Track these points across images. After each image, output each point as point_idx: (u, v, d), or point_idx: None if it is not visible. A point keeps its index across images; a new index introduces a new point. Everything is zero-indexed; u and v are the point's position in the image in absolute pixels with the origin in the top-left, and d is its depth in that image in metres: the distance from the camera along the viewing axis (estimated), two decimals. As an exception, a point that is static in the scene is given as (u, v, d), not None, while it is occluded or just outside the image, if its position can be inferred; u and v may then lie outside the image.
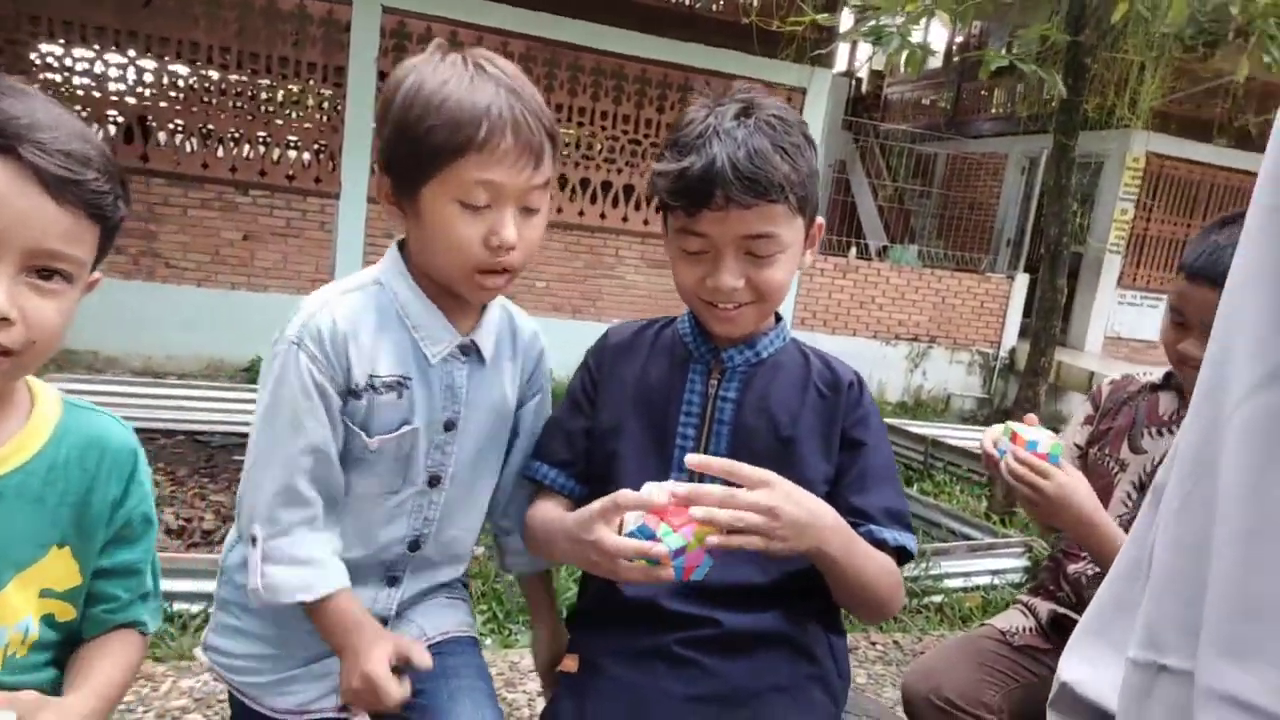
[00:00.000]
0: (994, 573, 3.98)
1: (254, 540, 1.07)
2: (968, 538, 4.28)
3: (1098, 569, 1.52)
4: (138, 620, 1.03)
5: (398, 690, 1.04)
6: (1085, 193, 9.44)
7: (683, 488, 0.97)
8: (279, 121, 6.82)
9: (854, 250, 9.21)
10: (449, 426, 1.17)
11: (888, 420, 6.48)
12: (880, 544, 1.13)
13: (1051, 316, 4.87)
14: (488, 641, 2.97)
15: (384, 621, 1.21)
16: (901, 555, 1.15)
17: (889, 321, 8.81)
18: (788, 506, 0.98)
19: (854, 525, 1.11)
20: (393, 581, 1.22)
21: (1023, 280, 9.20)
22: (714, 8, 8.06)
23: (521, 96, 1.05)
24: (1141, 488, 1.50)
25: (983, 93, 11.90)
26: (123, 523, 0.99)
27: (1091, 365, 8.38)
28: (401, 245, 1.17)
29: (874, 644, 3.29)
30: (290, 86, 6.88)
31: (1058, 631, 1.58)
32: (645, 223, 7.62)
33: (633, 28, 7.20)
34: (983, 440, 1.38)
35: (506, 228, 1.05)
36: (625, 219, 7.59)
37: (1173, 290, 1.44)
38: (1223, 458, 0.48)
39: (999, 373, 9.13)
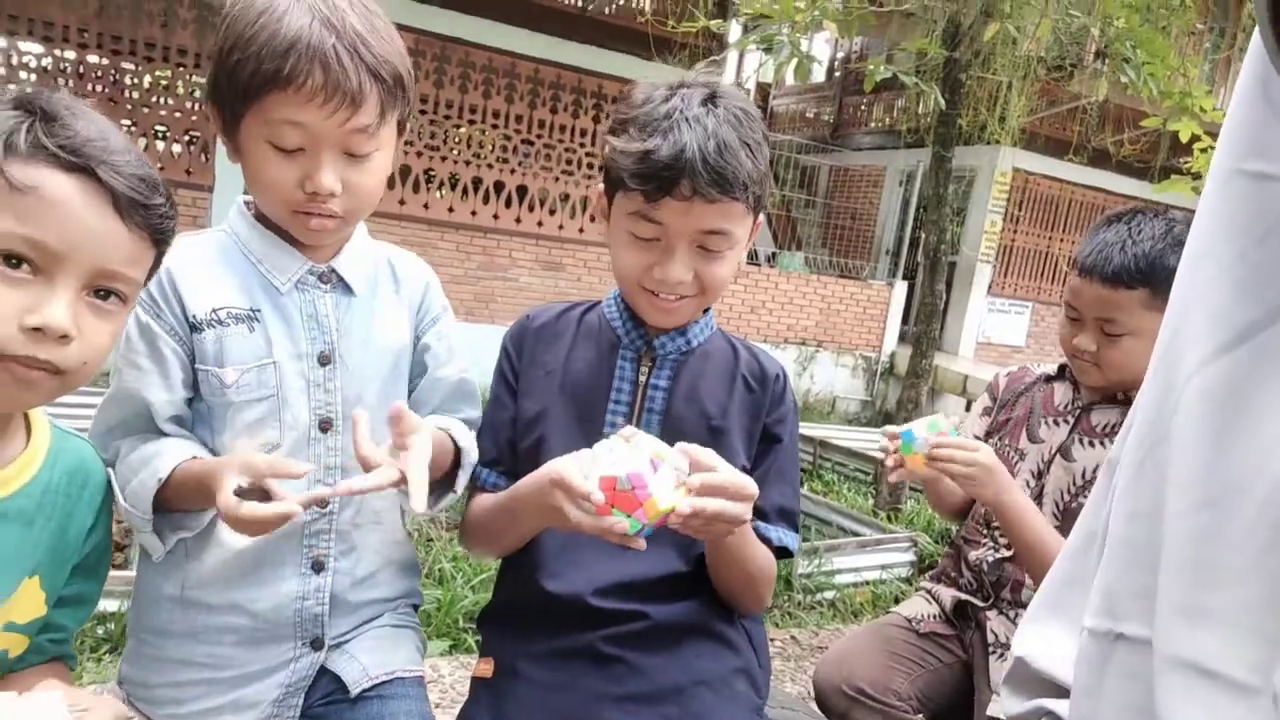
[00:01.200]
0: (882, 567, 4.11)
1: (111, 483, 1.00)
2: (856, 534, 4.40)
3: (998, 555, 1.58)
4: (70, 655, 0.99)
5: (249, 511, 0.89)
6: (959, 205, 9.95)
7: (695, 451, 0.93)
8: (145, 109, 6.40)
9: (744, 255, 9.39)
10: (324, 360, 1.09)
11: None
12: (765, 541, 1.14)
13: (931, 321, 5.10)
14: None
15: (316, 638, 1.11)
16: (781, 553, 1.16)
17: (778, 326, 9.03)
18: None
19: None
20: (318, 568, 1.10)
21: (901, 287, 9.61)
22: (607, 10, 8.07)
23: (339, 29, 0.96)
24: (1039, 475, 1.56)
25: (863, 107, 12.38)
26: (88, 550, 0.97)
27: (965, 369, 8.82)
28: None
29: (772, 640, 3.33)
30: (157, 72, 6.46)
31: (960, 616, 1.63)
32: (539, 224, 7.54)
33: (525, 26, 7.13)
34: (885, 448, 1.45)
35: (321, 173, 0.99)
36: (518, 220, 7.49)
37: (1066, 287, 1.51)
38: (1176, 425, 0.48)
39: (880, 376, 9.50)
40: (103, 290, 0.84)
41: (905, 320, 10.06)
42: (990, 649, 1.53)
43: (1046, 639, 0.62)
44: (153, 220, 0.85)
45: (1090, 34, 3.88)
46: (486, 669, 1.14)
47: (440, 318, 1.22)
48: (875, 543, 4.18)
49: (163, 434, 1.04)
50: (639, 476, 0.88)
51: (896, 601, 4.02)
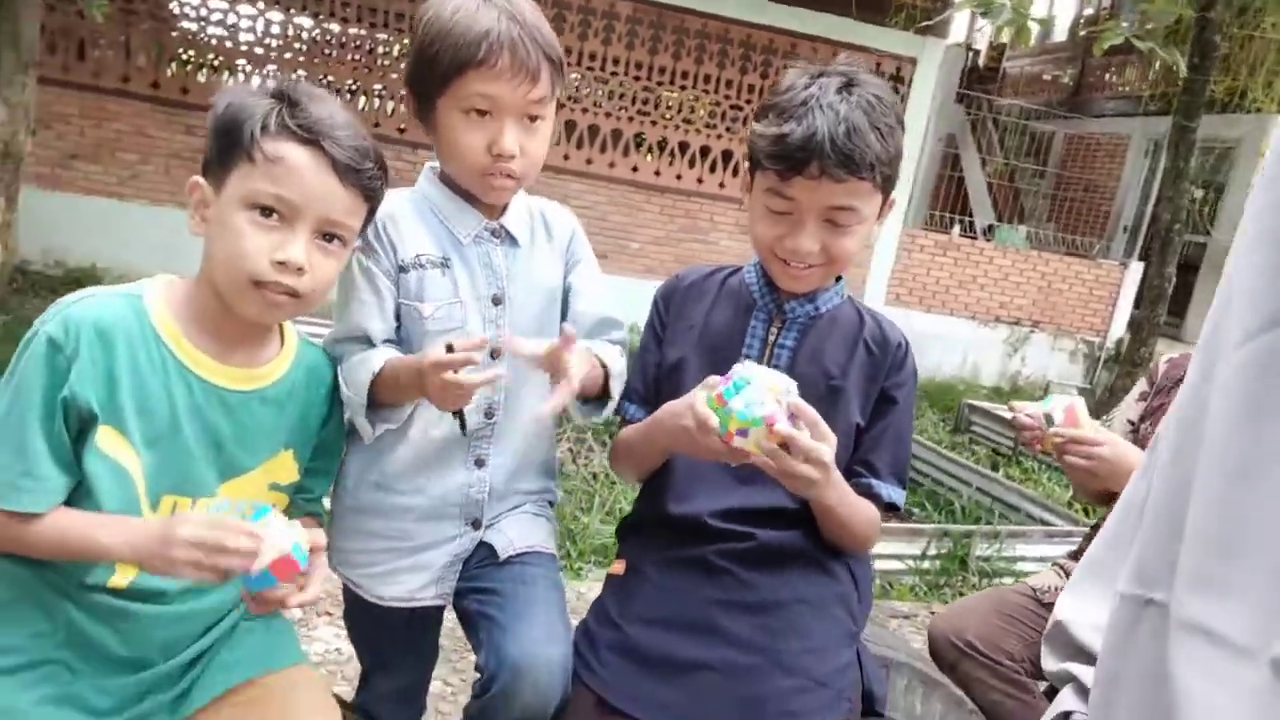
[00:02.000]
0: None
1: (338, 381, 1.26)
2: (1045, 523, 4.21)
3: None
4: (319, 512, 1.29)
5: (456, 376, 1.10)
6: (1211, 179, 8.91)
7: (794, 399, 1.06)
8: (394, 75, 7.09)
9: (957, 227, 8.96)
10: (497, 301, 1.32)
11: (977, 403, 6.39)
12: (874, 497, 1.25)
13: (1157, 305, 4.70)
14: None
15: (476, 519, 1.35)
16: (890, 508, 1.27)
17: (989, 303, 8.56)
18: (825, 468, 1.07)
19: (859, 475, 1.24)
20: (480, 463, 1.35)
21: (1136, 268, 8.75)
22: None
23: (522, 23, 1.20)
24: None
25: (1108, 70, 11.28)
26: (325, 433, 1.25)
27: (1204, 361, 7.94)
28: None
29: (933, 612, 3.31)
30: (406, 40, 7.12)
31: None
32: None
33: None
34: (1015, 419, 1.47)
35: (506, 136, 1.22)
36: (722, 185, 7.60)
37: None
38: (1212, 401, 0.51)
39: (1103, 363, 8.77)
40: (328, 234, 1.09)
41: (1138, 305, 9.19)
42: None
43: (1082, 602, 0.66)
44: (364, 181, 1.09)
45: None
46: (619, 568, 1.33)
47: (582, 260, 1.43)
48: (1064, 534, 3.99)
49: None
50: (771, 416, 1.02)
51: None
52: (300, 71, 6.92)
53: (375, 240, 1.27)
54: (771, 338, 1.29)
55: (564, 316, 1.40)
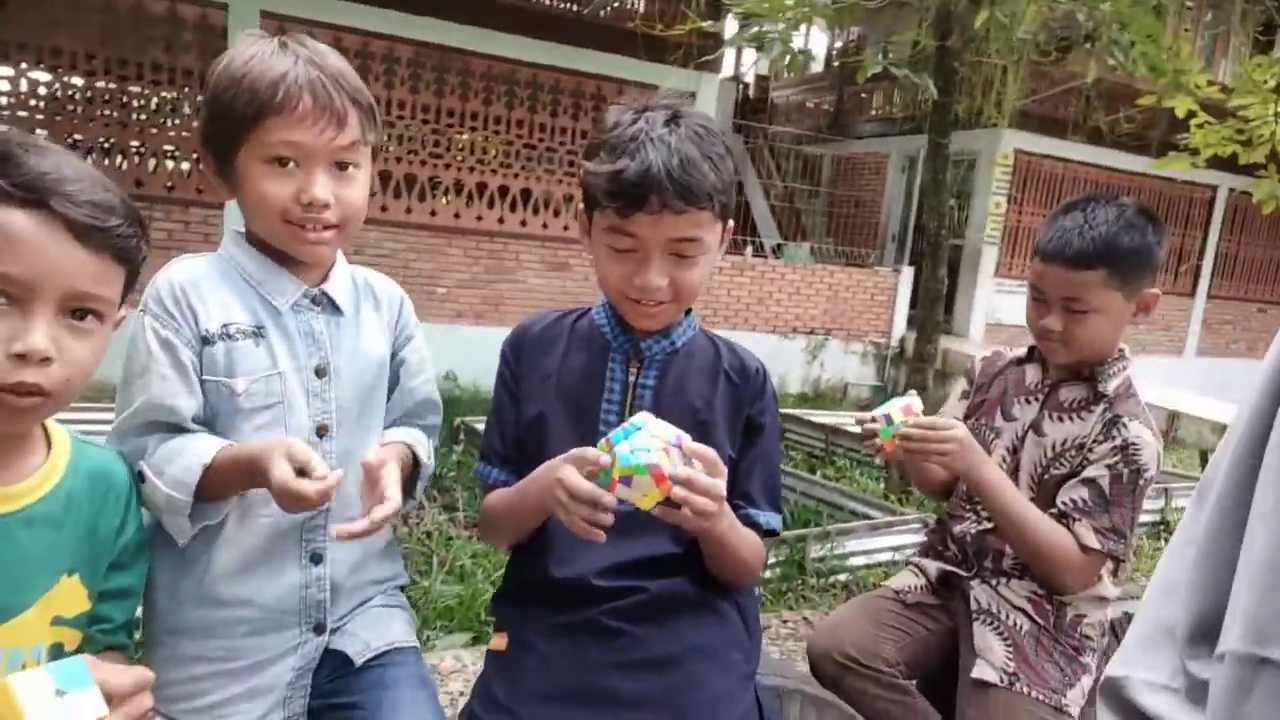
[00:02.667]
0: (894, 549, 4.18)
1: (143, 476, 1.08)
2: (868, 517, 4.47)
3: (979, 527, 1.67)
4: (124, 644, 1.07)
5: (309, 486, 1.00)
6: (962, 189, 9.96)
7: (689, 444, 1.02)
8: (154, 130, 6.53)
9: (750, 248, 9.46)
10: (320, 373, 1.21)
11: (790, 411, 6.71)
12: (753, 525, 1.24)
13: (935, 305, 5.14)
14: None
15: (319, 623, 1.21)
16: (769, 534, 1.27)
17: (786, 316, 9.09)
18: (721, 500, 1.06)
19: (737, 506, 1.22)
20: (316, 559, 1.22)
21: (908, 273, 9.64)
22: (601, 14, 8.15)
23: (321, 66, 1.13)
24: (1014, 450, 1.66)
25: (863, 95, 12.40)
26: (121, 549, 1.05)
27: (975, 351, 8.83)
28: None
29: (785, 622, 3.41)
30: (164, 94, 6.58)
31: (945, 586, 1.72)
32: (544, 226, 7.63)
33: (521, 33, 7.21)
34: (863, 428, 1.53)
35: (315, 185, 1.13)
36: (524, 223, 7.58)
37: (1031, 272, 1.61)
38: None
39: (891, 361, 9.54)
40: (78, 310, 0.90)
41: (914, 305, 10.08)
42: (974, 615, 1.61)
43: (1139, 661, 0.62)
44: (112, 241, 0.91)
45: (1077, 18, 3.92)
46: (500, 643, 1.24)
47: (414, 335, 1.36)
48: (886, 525, 4.25)
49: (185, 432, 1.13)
50: (657, 467, 0.99)
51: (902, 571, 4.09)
52: (40, 131, 6.22)
53: (174, 309, 1.13)
54: (631, 379, 1.26)
55: (390, 389, 1.32)
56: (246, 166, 1.13)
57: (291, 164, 1.12)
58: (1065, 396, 1.63)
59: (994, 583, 1.63)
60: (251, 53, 1.12)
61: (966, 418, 1.76)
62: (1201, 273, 11.59)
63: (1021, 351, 1.76)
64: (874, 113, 12.17)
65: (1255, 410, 0.57)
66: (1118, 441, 1.52)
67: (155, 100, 6.59)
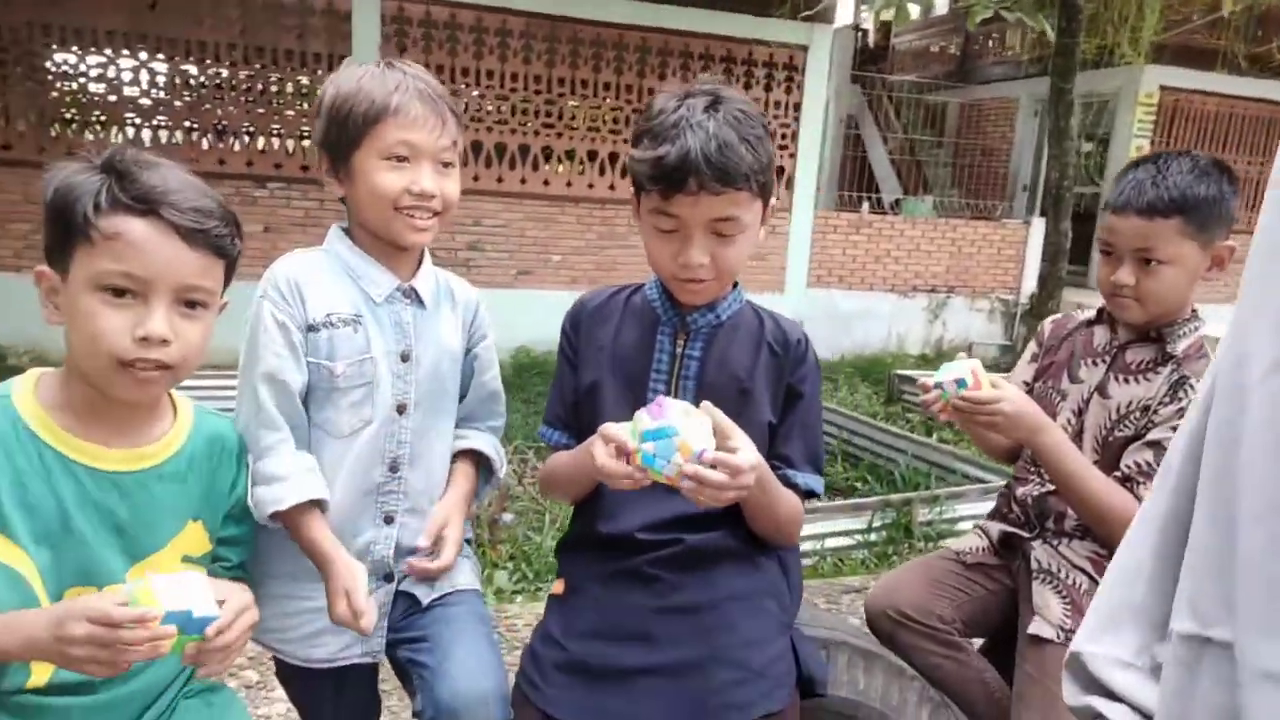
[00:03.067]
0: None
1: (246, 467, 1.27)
2: (981, 480, 4.36)
3: (1043, 489, 1.66)
4: (240, 577, 1.26)
5: (370, 621, 1.23)
6: (1093, 133, 9.31)
7: (711, 455, 1.09)
8: (290, 113, 6.96)
9: (866, 205, 9.20)
10: (405, 358, 1.37)
11: (906, 372, 6.56)
12: (793, 486, 1.31)
13: (1058, 260, 4.92)
14: (518, 599, 3.15)
15: (388, 574, 1.38)
16: (809, 495, 1.33)
17: (906, 274, 8.82)
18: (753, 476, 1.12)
19: (776, 468, 1.29)
20: (389, 520, 1.38)
21: (1039, 225, 9.07)
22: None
23: (425, 81, 1.34)
24: (1079, 413, 1.63)
25: (991, 38, 11.71)
26: (235, 501, 1.24)
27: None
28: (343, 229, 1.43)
29: (883, 585, 3.41)
30: (299, 78, 7.00)
31: (1007, 548, 1.73)
32: (654, 191, 7.66)
33: (631, -4, 7.21)
34: (921, 397, 1.54)
35: (425, 178, 1.31)
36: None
37: (1101, 228, 1.58)
38: (1246, 431, 0.50)
39: (1020, 318, 9.11)
40: (189, 301, 1.08)
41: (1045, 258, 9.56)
42: (1034, 575, 1.62)
43: (1100, 638, 0.64)
44: (212, 241, 1.08)
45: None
46: (560, 588, 1.38)
47: (486, 334, 1.53)
48: (999, 489, 4.13)
49: (291, 422, 1.31)
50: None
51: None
52: (192, 120, 6.76)
53: (288, 295, 1.31)
54: (679, 350, 1.34)
55: (465, 381, 1.49)
56: (363, 163, 1.30)
57: (405, 161, 1.30)
58: (1132, 358, 1.60)
59: (1055, 543, 1.63)
60: (362, 72, 1.32)
61: (1035, 380, 1.74)
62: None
63: (1091, 314, 1.72)
64: (1002, 56, 11.48)
65: (1207, 390, 0.58)
66: (1184, 403, 1.49)
67: (290, 85, 7.02)
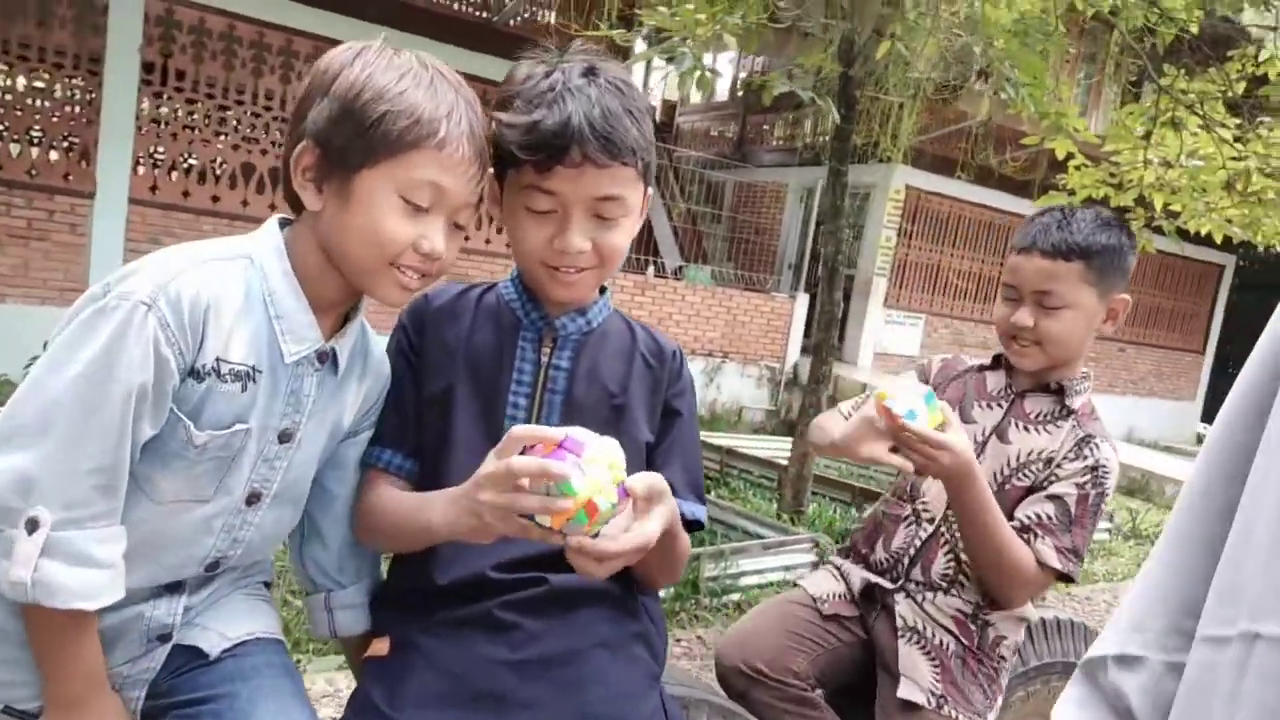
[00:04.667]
0: (786, 568, 4.20)
1: (32, 524, 0.86)
2: (760, 537, 4.49)
3: (920, 542, 1.60)
4: None
5: None
6: (856, 220, 10.30)
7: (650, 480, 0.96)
8: (18, 111, 6.03)
9: (651, 268, 9.49)
10: (284, 438, 1.05)
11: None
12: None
13: (830, 328, 5.24)
14: (302, 660, 2.74)
15: (166, 636, 1.07)
16: (692, 526, 1.18)
17: (685, 338, 9.13)
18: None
19: None
20: (177, 588, 1.07)
21: (803, 300, 9.88)
22: (511, 23, 8.07)
23: (477, 113, 1.03)
24: (975, 455, 1.57)
25: (764, 126, 12.70)
26: None
27: (864, 378, 9.11)
28: (283, 223, 1.07)
29: (678, 640, 3.36)
30: (35, 74, 6.10)
31: (867, 600, 1.64)
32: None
33: (429, 36, 7.05)
34: (851, 411, 1.48)
35: (440, 234, 1.03)
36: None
37: (1005, 270, 1.59)
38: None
39: (785, 386, 9.72)
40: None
41: (807, 333, 10.32)
42: (900, 633, 1.55)
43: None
44: None
45: (973, 55, 4.10)
46: (381, 647, 1.13)
47: (374, 425, 1.21)
48: (778, 544, 4.27)
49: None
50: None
51: (819, 569, 4.09)
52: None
53: (188, 328, 0.93)
54: (544, 359, 1.17)
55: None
56: (372, 190, 0.98)
57: (424, 210, 1.01)
58: (1032, 408, 1.58)
59: (919, 598, 1.57)
60: (402, 69, 0.99)
61: None
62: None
63: (983, 360, 1.71)
64: (775, 143, 12.48)
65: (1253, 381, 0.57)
66: (1090, 461, 1.49)
67: (21, 80, 6.10)
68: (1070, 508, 1.47)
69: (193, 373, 0.95)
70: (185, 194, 6.55)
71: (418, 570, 1.13)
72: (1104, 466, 1.49)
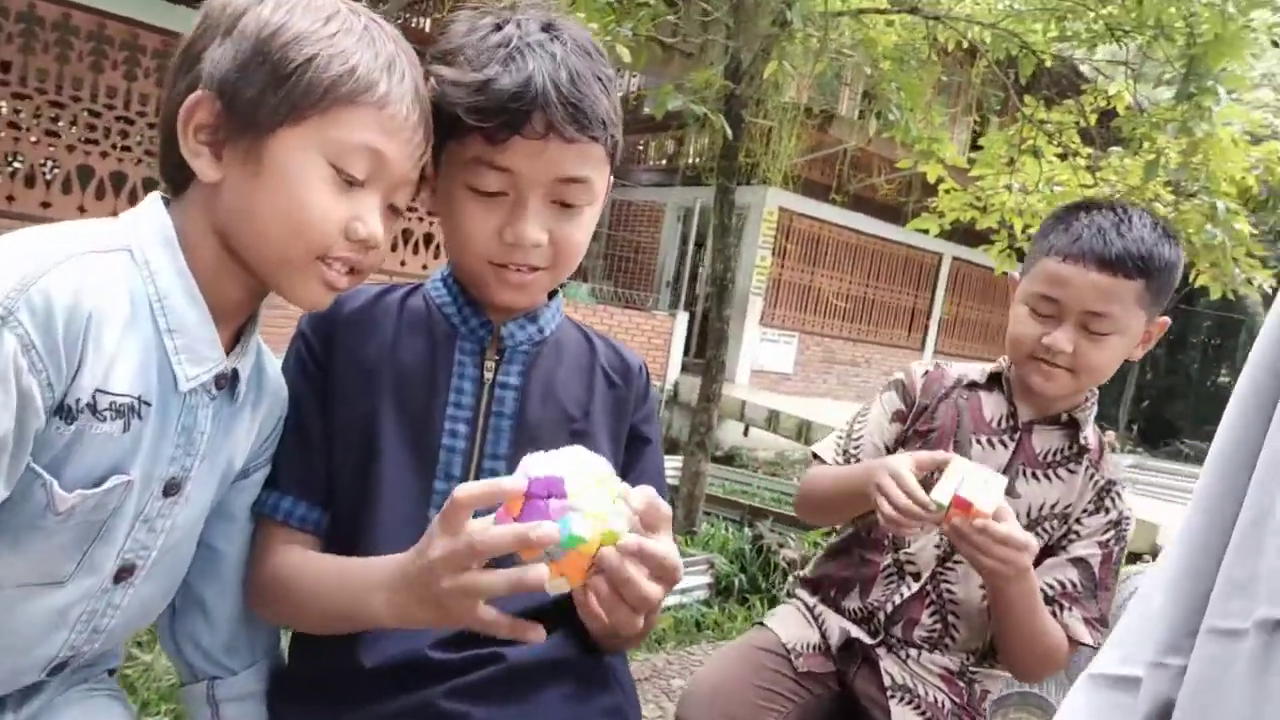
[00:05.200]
0: (681, 591, 4.10)
1: None
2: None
3: (898, 603, 1.39)
4: None
5: None
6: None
7: (650, 497, 0.74)
8: None
9: (530, 286, 9.32)
10: (170, 490, 0.81)
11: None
12: None
13: (720, 345, 5.22)
14: None
15: None
16: None
17: (565, 356, 8.97)
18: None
19: None
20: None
21: (683, 318, 9.92)
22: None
23: (420, 71, 0.84)
24: None
25: (639, 146, 12.78)
26: None
27: (742, 395, 9.22)
28: (166, 202, 0.82)
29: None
30: None
31: (846, 652, 1.43)
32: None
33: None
34: (895, 498, 1.13)
35: (377, 216, 0.82)
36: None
37: (1041, 279, 1.28)
38: None
39: (666, 404, 9.71)
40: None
41: (686, 350, 10.39)
42: (889, 692, 1.36)
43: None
44: None
45: (854, 79, 4.20)
46: None
47: (269, 465, 0.97)
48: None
49: None
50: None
51: (698, 626, 3.98)
52: None
53: (61, 348, 0.67)
54: (487, 375, 0.97)
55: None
56: (293, 153, 0.76)
57: (358, 184, 0.80)
58: (1041, 445, 1.34)
59: (903, 655, 1.39)
60: (328, 10, 0.78)
61: (900, 445, 1.43)
62: (929, 330, 12.97)
63: (976, 374, 1.43)
64: (651, 164, 12.57)
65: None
66: (1112, 515, 1.30)
67: None
68: (1095, 570, 1.29)
69: (61, 410, 0.70)
70: (10, 198, 5.88)
71: (335, 649, 0.89)
72: (1126, 519, 1.31)
